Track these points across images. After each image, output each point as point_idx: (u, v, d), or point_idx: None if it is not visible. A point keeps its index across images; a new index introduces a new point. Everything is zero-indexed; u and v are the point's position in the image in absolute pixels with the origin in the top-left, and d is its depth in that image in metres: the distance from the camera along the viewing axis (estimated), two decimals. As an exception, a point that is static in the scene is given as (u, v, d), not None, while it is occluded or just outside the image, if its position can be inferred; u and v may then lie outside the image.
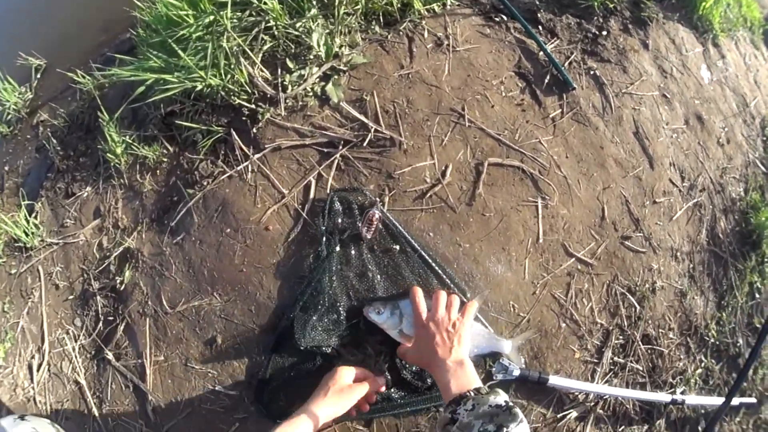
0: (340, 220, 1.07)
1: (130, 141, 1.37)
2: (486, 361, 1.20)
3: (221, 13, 1.32)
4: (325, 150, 1.13)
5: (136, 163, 1.39)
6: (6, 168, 1.74)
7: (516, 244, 1.22)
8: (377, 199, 1.08)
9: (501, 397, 0.76)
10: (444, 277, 1.08)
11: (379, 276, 1.04)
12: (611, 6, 1.78)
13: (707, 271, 1.71)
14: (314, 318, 0.99)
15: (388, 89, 1.19)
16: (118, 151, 1.37)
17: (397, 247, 1.06)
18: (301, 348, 0.96)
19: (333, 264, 1.01)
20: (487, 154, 1.20)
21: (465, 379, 0.83)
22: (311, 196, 1.12)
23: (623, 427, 1.41)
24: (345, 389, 0.89)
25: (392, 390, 1.03)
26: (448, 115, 1.20)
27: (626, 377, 1.40)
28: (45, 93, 1.88)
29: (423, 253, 1.07)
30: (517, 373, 1.13)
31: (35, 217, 1.47)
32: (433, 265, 1.07)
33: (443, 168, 1.15)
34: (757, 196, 1.97)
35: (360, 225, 1.05)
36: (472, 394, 0.77)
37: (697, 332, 1.72)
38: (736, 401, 1.59)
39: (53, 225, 1.48)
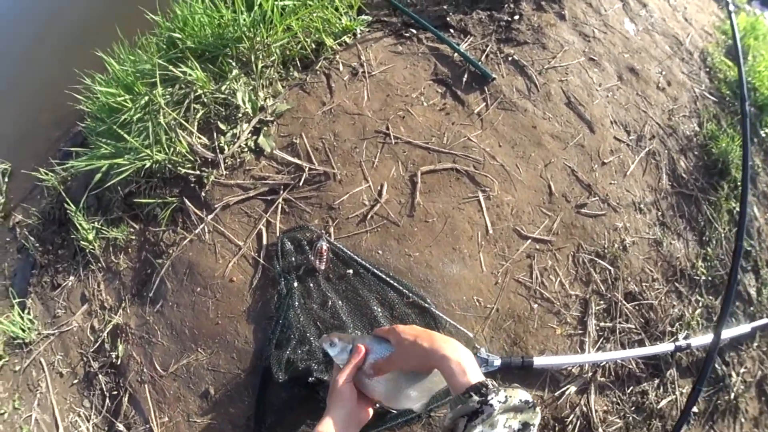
0: (293, 259, 1.25)
1: (99, 226, 1.58)
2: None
3: (153, 92, 1.54)
4: (269, 197, 1.33)
5: (109, 245, 1.59)
6: None
7: (466, 241, 1.38)
8: (322, 231, 1.26)
9: (525, 393, 0.73)
10: (401, 288, 1.25)
11: (339, 302, 1.22)
12: (520, -13, 1.96)
13: (679, 214, 1.84)
14: (288, 352, 1.16)
15: (314, 128, 1.38)
16: (90, 237, 1.58)
17: (351, 271, 1.23)
18: (280, 381, 1.13)
19: (295, 300, 1.19)
20: (419, 164, 1.38)
21: (472, 365, 0.77)
22: (264, 242, 1.31)
23: (631, 387, 1.49)
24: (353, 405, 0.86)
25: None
26: (374, 137, 1.38)
27: (619, 339, 1.51)
28: (15, 195, 2.12)
29: (376, 271, 1.24)
30: (498, 362, 1.24)
31: (28, 313, 1.68)
32: (388, 279, 1.24)
33: (379, 188, 1.34)
34: (712, 125, 2.10)
35: (312, 259, 1.23)
36: (494, 385, 0.72)
37: (684, 275, 1.83)
38: (747, 327, 1.69)
39: (46, 317, 1.69)
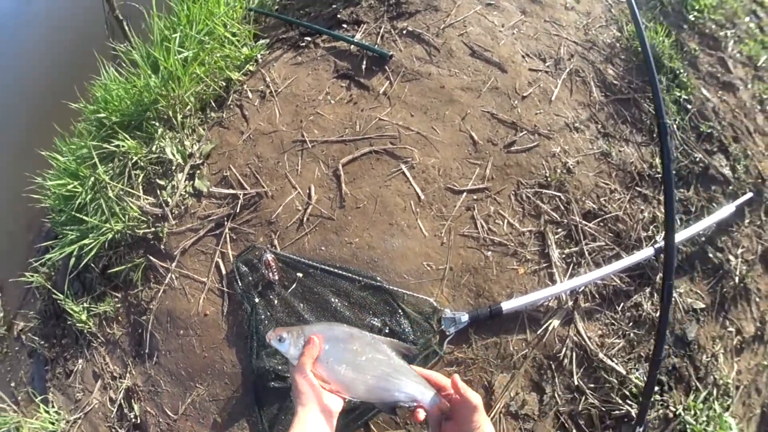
0: (250, 278, 1.46)
1: (88, 305, 1.85)
2: (432, 325, 1.41)
3: (96, 172, 1.82)
4: (217, 231, 1.55)
5: (102, 320, 1.86)
6: (12, 384, 2.27)
7: (401, 213, 1.56)
8: (267, 246, 1.48)
9: None
10: (350, 275, 1.44)
11: (301, 304, 1.42)
12: (402, -41, 2.16)
13: (621, 120, 1.94)
14: (267, 362, 1.39)
15: (239, 157, 1.61)
16: (84, 317, 1.85)
17: (301, 275, 1.44)
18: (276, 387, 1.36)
19: (260, 314, 1.41)
20: (338, 158, 1.58)
21: None
22: (223, 272, 1.53)
23: (621, 303, 1.58)
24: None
25: None
26: (292, 147, 1.60)
27: (592, 260, 1.60)
28: (11, 305, 2.43)
29: (324, 267, 1.45)
30: (466, 317, 1.39)
31: (52, 406, 1.97)
32: (336, 270, 1.44)
33: (307, 191, 1.54)
34: (632, 26, 2.19)
35: (265, 272, 1.45)
36: None
37: (644, 176, 1.88)
38: (731, 207, 1.76)
39: (69, 404, 1.96)
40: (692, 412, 1.50)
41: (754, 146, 2.09)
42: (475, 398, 0.85)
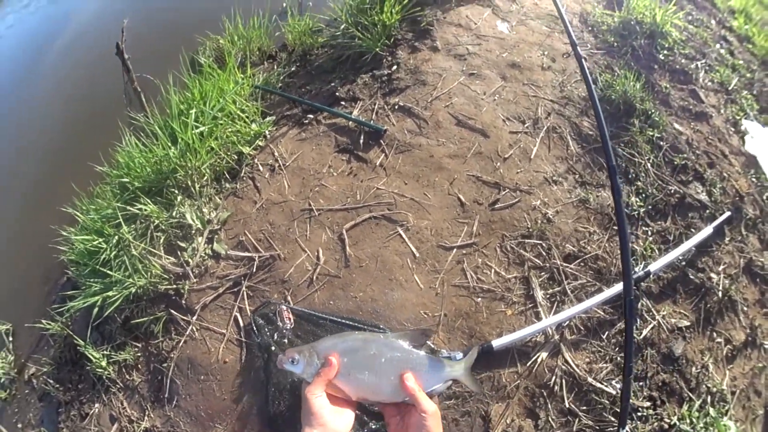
0: (267, 330, 1.77)
1: (108, 353, 2.11)
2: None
3: (120, 231, 2.11)
4: (235, 289, 1.85)
5: (121, 367, 2.11)
6: (19, 426, 2.46)
7: (399, 270, 1.90)
8: (281, 300, 1.80)
9: None
10: (356, 324, 1.76)
11: (311, 351, 1.74)
12: (392, 40, 2.58)
13: (597, 167, 2.20)
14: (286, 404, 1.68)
15: (253, 224, 1.93)
16: (104, 364, 2.10)
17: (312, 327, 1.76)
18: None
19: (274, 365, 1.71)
20: (342, 224, 1.92)
21: None
22: (241, 324, 1.81)
23: (606, 332, 1.78)
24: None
25: (372, 423, 1.69)
26: (301, 215, 1.93)
27: (575, 297, 1.82)
28: (23, 351, 2.64)
29: (332, 318, 1.77)
30: (460, 356, 1.61)
31: (66, 449, 2.18)
32: (343, 321, 1.76)
33: (316, 253, 1.86)
34: (607, 76, 2.55)
35: (279, 324, 1.76)
36: None
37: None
38: (708, 229, 1.96)
39: None
40: (688, 421, 1.65)
41: (730, 167, 2.37)
42: (430, 407, 0.88)
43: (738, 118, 2.70)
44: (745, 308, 2.01)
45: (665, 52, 2.80)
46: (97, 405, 2.15)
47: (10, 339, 2.69)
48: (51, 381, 2.33)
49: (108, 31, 3.09)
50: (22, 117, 3.33)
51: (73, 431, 2.20)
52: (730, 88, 2.85)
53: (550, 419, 1.63)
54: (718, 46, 3.22)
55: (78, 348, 2.19)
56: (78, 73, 3.33)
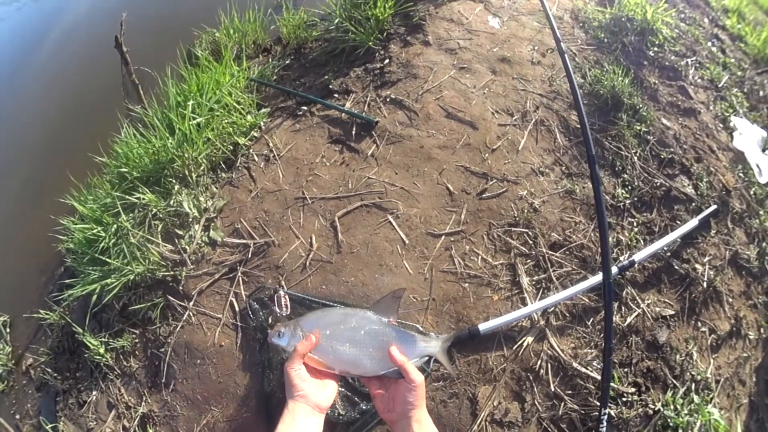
0: (261, 314, 1.89)
1: (106, 340, 2.22)
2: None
3: (119, 220, 2.23)
4: (230, 275, 1.96)
5: (119, 354, 2.21)
6: (17, 416, 2.57)
7: (389, 256, 2.02)
8: (277, 285, 1.92)
9: None
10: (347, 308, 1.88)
11: (304, 333, 1.86)
12: (385, 35, 2.70)
13: (584, 159, 2.28)
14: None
15: (248, 212, 2.05)
16: (102, 351, 2.21)
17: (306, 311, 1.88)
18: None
19: (270, 347, 1.83)
20: (335, 212, 2.02)
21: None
22: (237, 309, 1.91)
23: (591, 318, 1.87)
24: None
25: (363, 403, 1.80)
26: (295, 203, 2.04)
27: (560, 284, 1.92)
28: (21, 341, 2.74)
29: (325, 302, 1.88)
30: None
31: (63, 435, 2.29)
32: (335, 305, 1.87)
33: (309, 240, 1.97)
34: (596, 71, 2.66)
35: (277, 309, 1.87)
36: None
37: (607, 207, 2.16)
38: (693, 221, 2.04)
39: None
40: (672, 407, 1.73)
41: (717, 162, 2.46)
42: (418, 377, 0.95)
43: (727, 114, 2.79)
44: (731, 299, 2.10)
45: (655, 48, 2.90)
46: (94, 392, 2.25)
47: (8, 330, 2.79)
48: (49, 370, 2.42)
49: (106, 24, 3.21)
50: (19, 108, 3.44)
51: (71, 419, 2.29)
52: (720, 86, 2.95)
53: (536, 402, 1.72)
54: (709, 44, 3.33)
55: (76, 336, 2.29)
56: (75, 66, 3.44)
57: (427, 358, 1.07)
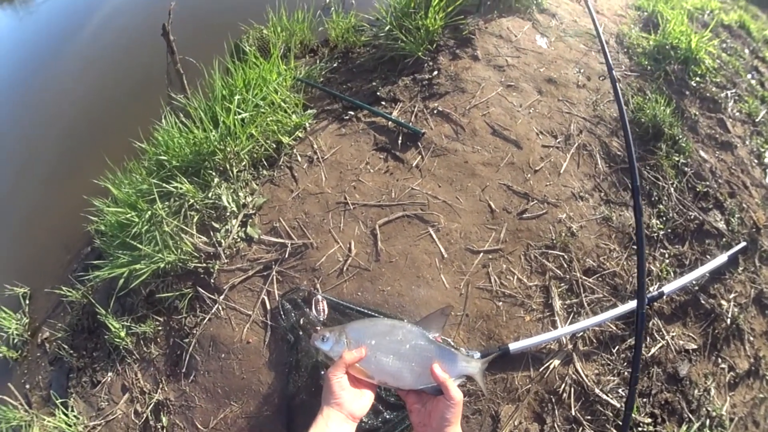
0: (293, 315, 1.88)
1: (128, 324, 2.23)
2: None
3: (154, 207, 2.24)
4: (264, 273, 1.96)
5: (140, 339, 2.22)
6: (27, 386, 2.57)
7: (427, 268, 2.01)
8: (313, 288, 1.91)
9: None
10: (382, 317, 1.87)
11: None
12: (434, 46, 2.72)
13: (622, 187, 2.32)
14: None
15: (288, 211, 2.06)
16: (122, 334, 2.21)
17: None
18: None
19: (300, 348, 1.82)
20: (376, 220, 2.03)
21: None
22: (268, 307, 1.90)
23: (617, 346, 1.89)
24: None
25: (386, 412, 1.79)
26: (336, 208, 2.05)
27: (590, 310, 1.93)
28: (39, 315, 2.75)
29: (360, 309, 1.87)
30: (478, 356, 1.72)
31: (72, 411, 2.27)
32: (370, 312, 1.85)
33: (348, 245, 1.97)
34: (638, 98, 2.66)
35: (313, 313, 1.85)
36: None
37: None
38: (723, 257, 2.06)
39: (91, 412, 2.24)
40: None
41: (750, 199, 2.47)
42: (458, 395, 0.96)
43: (762, 150, 2.80)
44: (752, 338, 2.11)
45: (697, 78, 2.90)
46: (110, 374, 2.25)
47: (27, 302, 2.81)
48: (65, 346, 2.43)
49: (154, 13, 3.27)
50: (59, 88, 3.50)
51: (82, 397, 2.29)
52: (757, 120, 2.95)
53: (555, 425, 1.73)
54: (749, 76, 3.32)
55: (97, 317, 2.30)
56: (121, 50, 3.50)
57: (465, 377, 1.07)
